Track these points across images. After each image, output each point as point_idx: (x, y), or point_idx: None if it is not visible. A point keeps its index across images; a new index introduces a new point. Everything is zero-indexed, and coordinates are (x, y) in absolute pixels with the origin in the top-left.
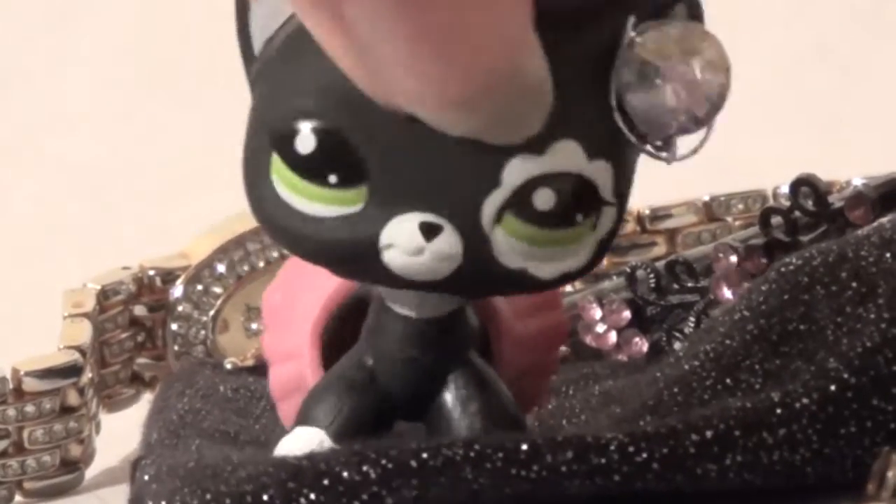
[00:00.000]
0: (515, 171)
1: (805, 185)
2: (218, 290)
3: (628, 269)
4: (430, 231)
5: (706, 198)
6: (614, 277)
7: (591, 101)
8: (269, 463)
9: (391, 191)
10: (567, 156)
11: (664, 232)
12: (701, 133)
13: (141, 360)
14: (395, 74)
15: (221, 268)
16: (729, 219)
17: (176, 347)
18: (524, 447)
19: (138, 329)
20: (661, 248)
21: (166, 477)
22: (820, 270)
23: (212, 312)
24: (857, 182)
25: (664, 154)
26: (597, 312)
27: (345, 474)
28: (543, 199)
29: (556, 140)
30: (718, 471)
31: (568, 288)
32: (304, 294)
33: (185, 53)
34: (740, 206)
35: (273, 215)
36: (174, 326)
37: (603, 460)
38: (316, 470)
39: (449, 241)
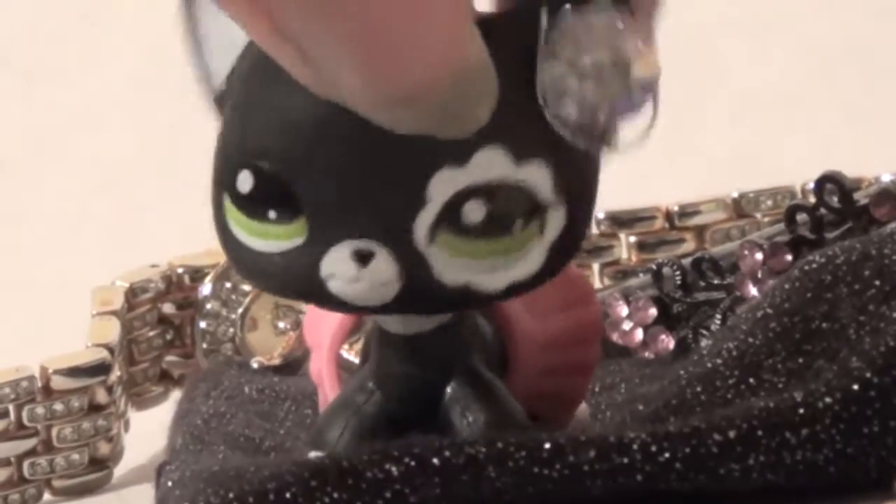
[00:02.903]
0: (440, 187)
1: (830, 182)
2: (247, 287)
3: (654, 267)
4: (363, 258)
5: (735, 194)
6: (641, 275)
7: (516, 102)
8: (293, 462)
9: (326, 222)
10: (491, 164)
11: (693, 228)
12: (645, 120)
13: (170, 358)
14: (337, 75)
15: None
16: (758, 215)
17: (205, 345)
18: (547, 446)
19: (167, 327)
20: (689, 245)
21: (190, 482)
22: (843, 269)
23: (240, 310)
24: (886, 178)
25: (602, 147)
26: (623, 310)
27: (367, 472)
28: (474, 211)
29: (478, 149)
30: (741, 471)
31: (596, 284)
32: (325, 316)
33: None
34: (769, 203)
35: (233, 251)
36: (203, 324)
37: (626, 460)
38: (339, 468)
39: (383, 266)
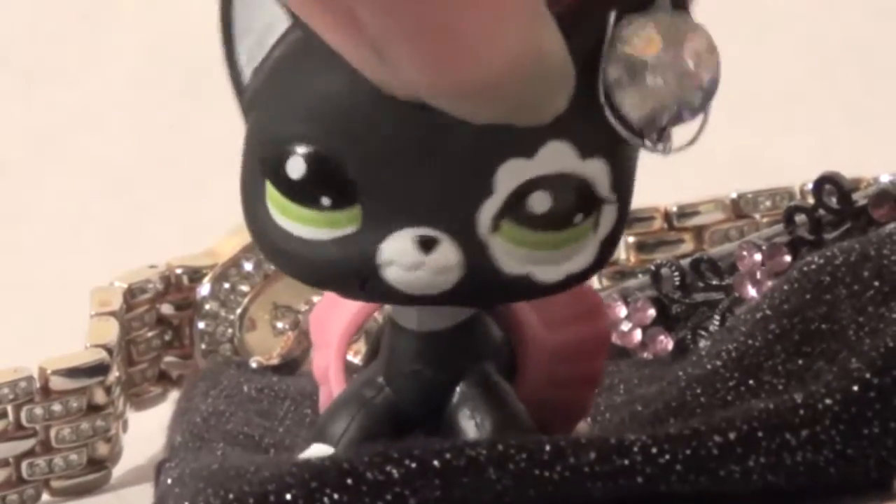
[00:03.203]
0: (507, 177)
1: (829, 182)
2: (245, 288)
3: (653, 267)
4: (426, 245)
5: (733, 195)
6: (639, 275)
7: (580, 99)
8: (293, 463)
9: (385, 208)
10: (558, 157)
11: (691, 229)
12: (696, 123)
13: (168, 359)
14: (412, 69)
15: (248, 266)
16: (757, 216)
17: (203, 346)
18: (547, 448)
19: (165, 327)
20: (688, 246)
21: (189, 480)
22: (842, 270)
23: (239, 311)
24: (885, 179)
25: (659, 147)
26: (622, 310)
27: (368, 474)
28: (539, 202)
29: (546, 141)
30: (742, 472)
31: (595, 285)
32: (334, 314)
33: (213, 51)
34: (768, 203)
35: (273, 242)
36: (201, 325)
37: (626, 462)
38: (339, 470)
39: (447, 253)
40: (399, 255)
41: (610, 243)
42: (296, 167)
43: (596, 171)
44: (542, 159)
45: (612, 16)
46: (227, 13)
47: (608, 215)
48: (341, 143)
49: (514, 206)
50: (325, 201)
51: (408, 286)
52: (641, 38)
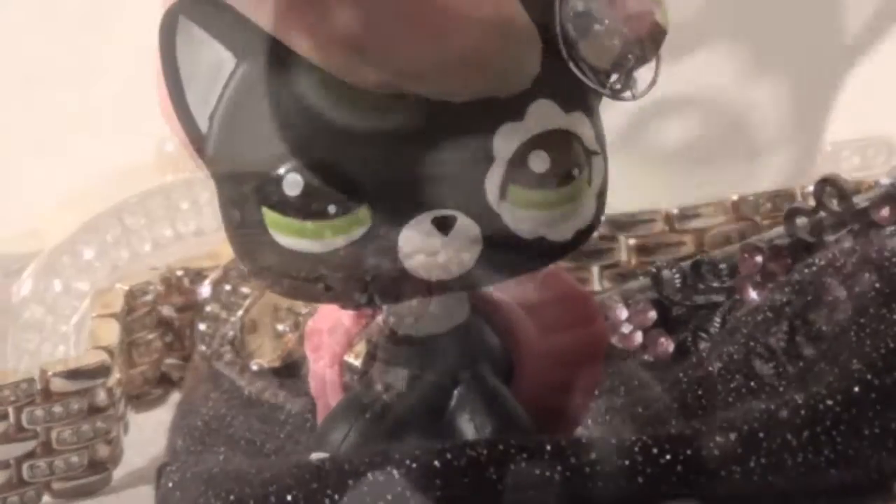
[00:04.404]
0: (503, 142)
1: (829, 185)
2: (246, 290)
3: (654, 270)
4: (443, 224)
5: (734, 197)
6: (640, 277)
7: (547, 59)
8: (294, 464)
9: (393, 200)
10: (545, 114)
11: (692, 231)
12: (652, 67)
13: (169, 361)
14: (396, 56)
15: None
16: (757, 218)
17: (204, 348)
18: (548, 448)
19: (166, 329)
20: (689, 248)
21: (191, 483)
22: (843, 272)
23: (240, 313)
24: (886, 181)
25: (627, 94)
26: (623, 313)
27: (368, 474)
28: (538, 162)
29: (531, 102)
30: (742, 473)
31: (596, 287)
32: (329, 330)
33: None
34: (768, 206)
35: (281, 269)
36: (202, 327)
37: (627, 462)
38: (339, 471)
39: (465, 228)
40: (419, 241)
41: (602, 197)
42: (293, 184)
43: (579, 123)
44: (531, 119)
45: None
46: (172, 62)
47: (598, 167)
48: (329, 146)
49: (517, 170)
50: (332, 209)
51: (431, 273)
52: None
